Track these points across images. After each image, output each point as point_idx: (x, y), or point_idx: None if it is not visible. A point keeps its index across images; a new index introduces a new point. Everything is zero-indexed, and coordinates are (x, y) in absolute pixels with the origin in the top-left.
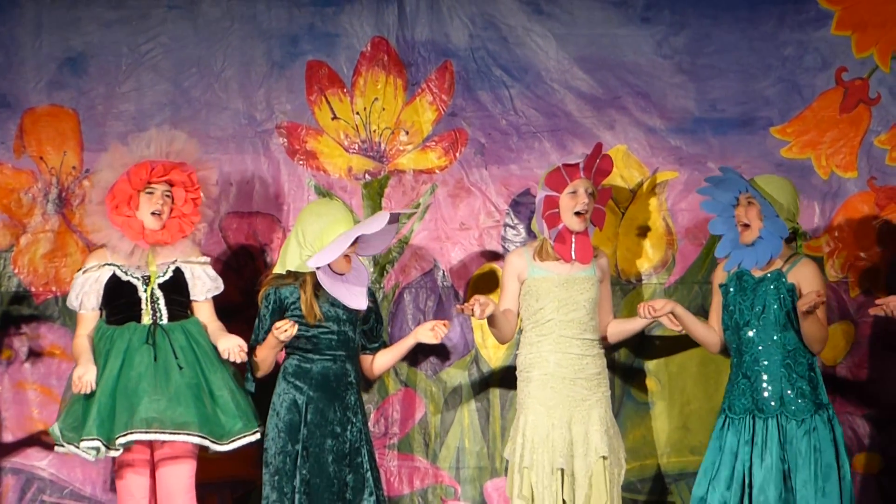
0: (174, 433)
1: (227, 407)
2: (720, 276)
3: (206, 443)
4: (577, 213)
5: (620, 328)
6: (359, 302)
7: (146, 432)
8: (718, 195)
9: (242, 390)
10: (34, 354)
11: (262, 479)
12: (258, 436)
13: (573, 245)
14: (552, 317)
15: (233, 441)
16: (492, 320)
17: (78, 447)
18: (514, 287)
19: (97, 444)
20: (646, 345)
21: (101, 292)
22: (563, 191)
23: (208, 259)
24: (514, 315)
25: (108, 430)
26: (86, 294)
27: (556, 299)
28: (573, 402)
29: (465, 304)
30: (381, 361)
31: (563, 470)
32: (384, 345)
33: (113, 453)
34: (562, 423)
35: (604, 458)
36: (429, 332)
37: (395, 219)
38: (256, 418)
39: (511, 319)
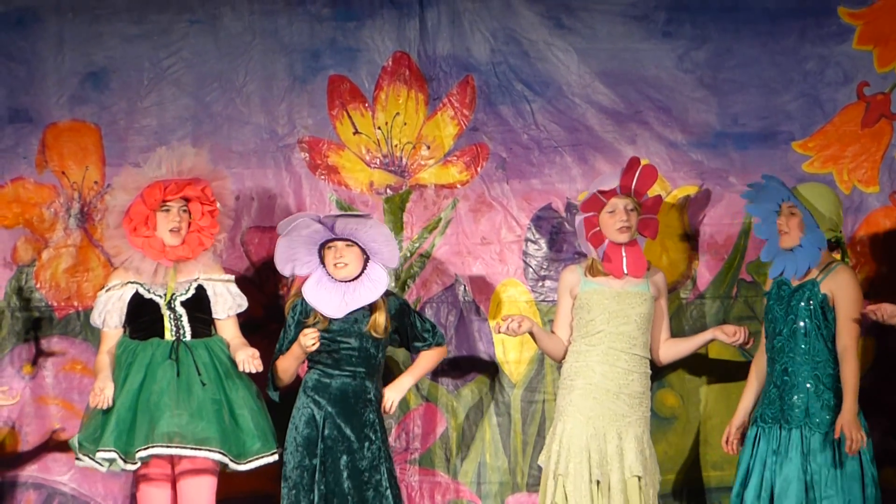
0: (195, 448)
1: (246, 426)
2: (769, 284)
3: (226, 460)
4: (618, 230)
5: (675, 348)
6: (334, 311)
7: (167, 447)
8: (762, 201)
9: (263, 410)
10: (55, 369)
11: (282, 494)
12: (276, 457)
13: (624, 259)
14: (602, 328)
15: (251, 461)
16: (534, 339)
17: (94, 458)
18: (567, 303)
19: (113, 455)
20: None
21: (125, 310)
22: (601, 210)
23: (232, 277)
24: (562, 336)
25: (126, 442)
26: (108, 312)
27: (606, 311)
28: (614, 416)
29: (500, 322)
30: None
31: (598, 482)
32: (431, 338)
33: (130, 467)
34: (599, 434)
35: (638, 477)
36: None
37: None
38: (275, 438)
39: (555, 338)
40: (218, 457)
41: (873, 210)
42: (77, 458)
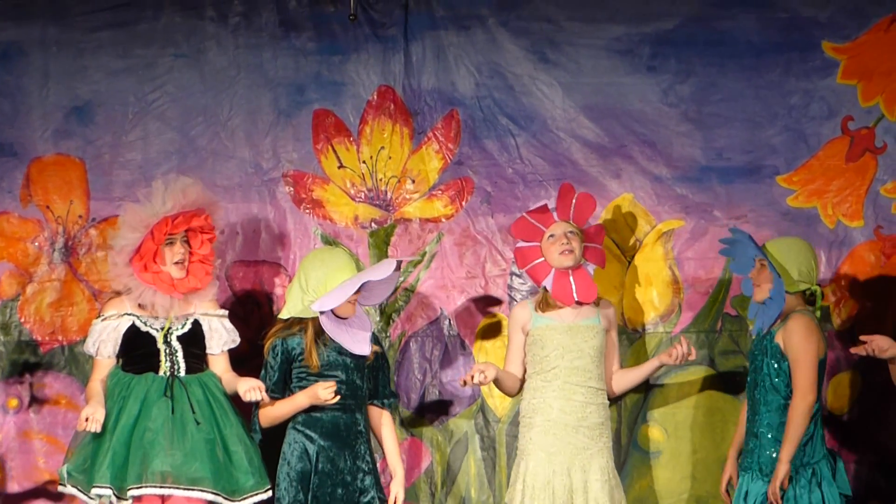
0: (188, 489)
1: (240, 463)
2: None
3: (219, 499)
4: (562, 254)
5: (626, 378)
6: (362, 348)
7: (161, 487)
8: (740, 254)
9: (255, 445)
10: (40, 404)
11: None
12: (269, 493)
13: (573, 285)
14: (557, 363)
15: (245, 498)
16: (496, 381)
17: (86, 491)
18: (519, 339)
19: (108, 492)
20: (652, 393)
21: (119, 341)
22: (541, 239)
23: (226, 312)
24: (515, 372)
25: (120, 479)
26: (103, 342)
27: (560, 346)
28: (575, 450)
29: (467, 376)
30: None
31: None
32: (389, 399)
33: (122, 503)
34: (562, 469)
35: None
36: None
37: (398, 266)
38: (268, 474)
39: (512, 376)
40: (210, 497)
41: (858, 244)
42: (61, 484)
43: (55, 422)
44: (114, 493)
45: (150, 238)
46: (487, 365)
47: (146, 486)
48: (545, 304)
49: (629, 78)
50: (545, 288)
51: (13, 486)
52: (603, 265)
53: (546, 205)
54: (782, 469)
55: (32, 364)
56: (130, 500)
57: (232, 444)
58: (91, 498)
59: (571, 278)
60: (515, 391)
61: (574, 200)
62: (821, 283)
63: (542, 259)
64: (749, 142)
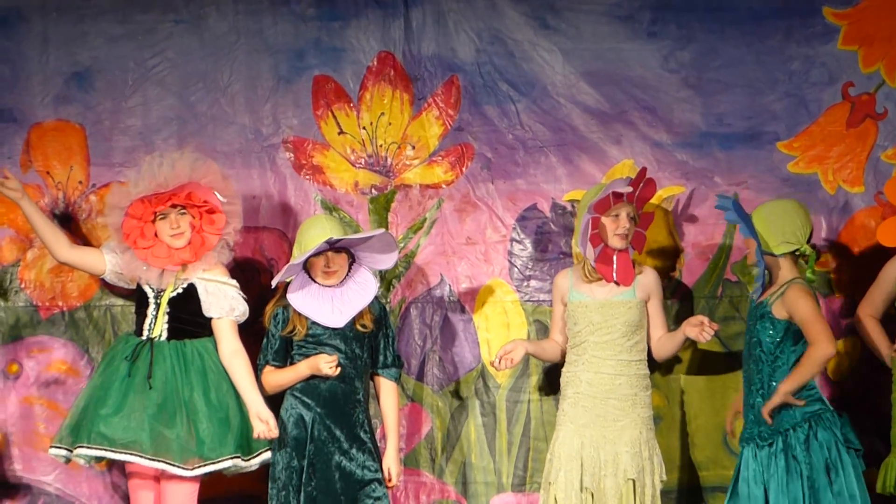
0: (120, 452)
1: (196, 432)
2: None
3: (158, 465)
4: (617, 235)
5: (664, 347)
6: (334, 320)
7: (91, 448)
8: (739, 218)
9: (226, 415)
10: (40, 369)
11: (269, 494)
12: (224, 465)
13: (615, 265)
14: (586, 338)
15: (198, 467)
16: (535, 354)
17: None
18: (559, 309)
19: (64, 452)
20: (652, 360)
21: (134, 279)
22: (605, 213)
23: (235, 282)
24: (559, 340)
25: (73, 439)
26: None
27: (590, 323)
28: (604, 421)
29: (495, 362)
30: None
31: (589, 489)
32: (390, 369)
33: (81, 462)
34: (591, 442)
35: (633, 481)
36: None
37: (334, 243)
38: (234, 444)
39: (551, 346)
40: (144, 461)
41: (858, 210)
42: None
43: (56, 388)
44: (69, 452)
45: (130, 217)
46: (515, 345)
47: (85, 447)
48: (583, 277)
49: (629, 44)
50: (587, 259)
51: (14, 452)
52: (641, 251)
53: (630, 192)
54: (777, 398)
55: (32, 329)
56: (82, 461)
57: (192, 412)
58: (57, 457)
59: (615, 257)
60: (557, 358)
61: (642, 184)
62: (821, 249)
63: (598, 231)
64: (749, 108)
